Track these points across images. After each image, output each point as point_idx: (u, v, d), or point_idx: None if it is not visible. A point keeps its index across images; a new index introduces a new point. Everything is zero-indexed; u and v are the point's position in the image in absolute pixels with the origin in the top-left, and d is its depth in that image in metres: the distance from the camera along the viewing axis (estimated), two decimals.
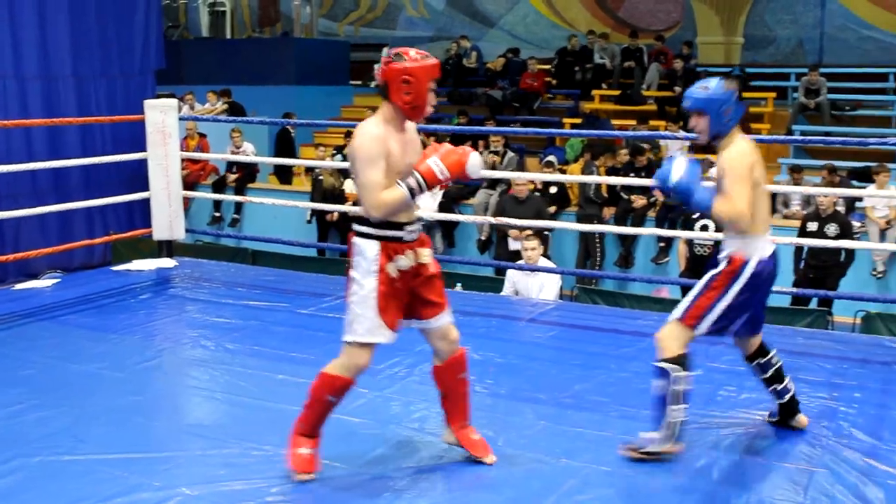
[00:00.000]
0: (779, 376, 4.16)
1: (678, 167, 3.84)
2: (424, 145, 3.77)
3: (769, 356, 4.15)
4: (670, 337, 3.89)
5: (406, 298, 3.64)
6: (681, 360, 3.83)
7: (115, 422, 4.27)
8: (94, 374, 4.97)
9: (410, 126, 3.65)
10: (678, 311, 3.91)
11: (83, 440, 4.03)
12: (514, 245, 9.48)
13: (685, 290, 8.25)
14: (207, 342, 5.56)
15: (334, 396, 3.65)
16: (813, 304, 8.06)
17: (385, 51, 3.48)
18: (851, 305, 7.43)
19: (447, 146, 3.57)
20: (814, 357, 5.39)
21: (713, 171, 4.02)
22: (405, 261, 3.58)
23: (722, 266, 3.88)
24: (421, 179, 3.48)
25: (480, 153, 12.49)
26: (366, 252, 3.54)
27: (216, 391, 4.77)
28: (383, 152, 3.45)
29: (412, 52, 3.52)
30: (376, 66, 3.42)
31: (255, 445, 3.98)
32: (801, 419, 4.24)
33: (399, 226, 3.57)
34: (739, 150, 3.80)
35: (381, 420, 4.32)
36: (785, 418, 4.25)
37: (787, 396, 4.19)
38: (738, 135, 3.87)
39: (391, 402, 4.56)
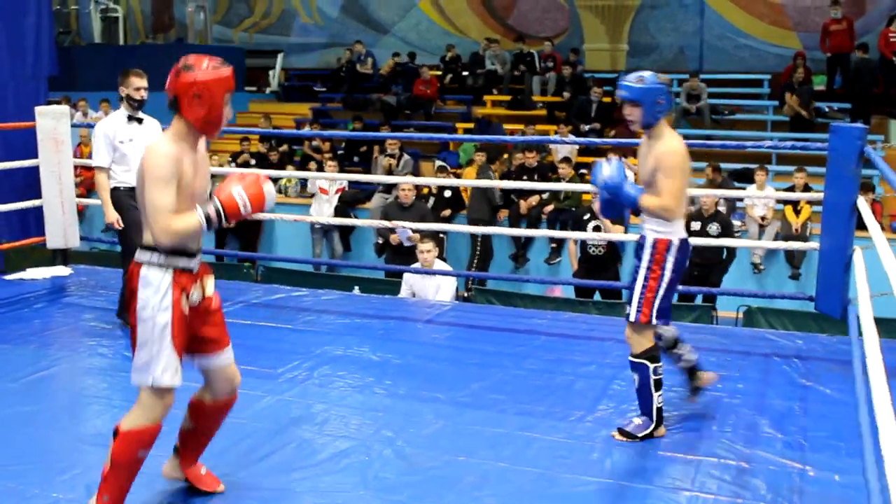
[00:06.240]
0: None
1: (606, 167, 4.09)
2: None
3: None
4: (635, 334, 4.17)
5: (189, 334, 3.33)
6: (651, 353, 4.14)
7: (8, 433, 4.21)
8: None
9: (202, 144, 3.33)
10: (633, 313, 4.14)
11: None
12: (403, 238, 9.43)
13: (577, 289, 8.52)
14: (105, 350, 5.52)
15: (145, 449, 3.29)
16: (698, 300, 8.37)
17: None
18: (733, 301, 7.76)
19: (250, 175, 3.25)
20: (700, 351, 5.59)
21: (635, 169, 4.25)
22: (196, 294, 3.28)
23: (649, 254, 4.12)
24: (221, 210, 3.13)
25: (375, 158, 12.70)
26: (156, 284, 3.17)
27: (114, 399, 4.71)
28: (177, 173, 3.10)
29: (205, 61, 3.18)
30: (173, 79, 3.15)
31: (155, 453, 3.96)
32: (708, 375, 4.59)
33: (191, 254, 3.26)
34: (674, 147, 4.09)
35: (281, 423, 4.36)
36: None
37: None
38: (667, 128, 4.21)
39: (291, 405, 4.60)
